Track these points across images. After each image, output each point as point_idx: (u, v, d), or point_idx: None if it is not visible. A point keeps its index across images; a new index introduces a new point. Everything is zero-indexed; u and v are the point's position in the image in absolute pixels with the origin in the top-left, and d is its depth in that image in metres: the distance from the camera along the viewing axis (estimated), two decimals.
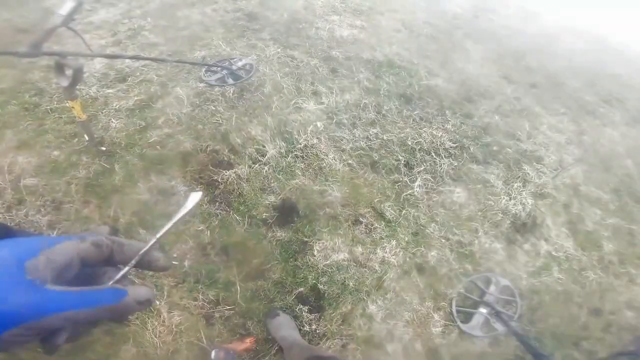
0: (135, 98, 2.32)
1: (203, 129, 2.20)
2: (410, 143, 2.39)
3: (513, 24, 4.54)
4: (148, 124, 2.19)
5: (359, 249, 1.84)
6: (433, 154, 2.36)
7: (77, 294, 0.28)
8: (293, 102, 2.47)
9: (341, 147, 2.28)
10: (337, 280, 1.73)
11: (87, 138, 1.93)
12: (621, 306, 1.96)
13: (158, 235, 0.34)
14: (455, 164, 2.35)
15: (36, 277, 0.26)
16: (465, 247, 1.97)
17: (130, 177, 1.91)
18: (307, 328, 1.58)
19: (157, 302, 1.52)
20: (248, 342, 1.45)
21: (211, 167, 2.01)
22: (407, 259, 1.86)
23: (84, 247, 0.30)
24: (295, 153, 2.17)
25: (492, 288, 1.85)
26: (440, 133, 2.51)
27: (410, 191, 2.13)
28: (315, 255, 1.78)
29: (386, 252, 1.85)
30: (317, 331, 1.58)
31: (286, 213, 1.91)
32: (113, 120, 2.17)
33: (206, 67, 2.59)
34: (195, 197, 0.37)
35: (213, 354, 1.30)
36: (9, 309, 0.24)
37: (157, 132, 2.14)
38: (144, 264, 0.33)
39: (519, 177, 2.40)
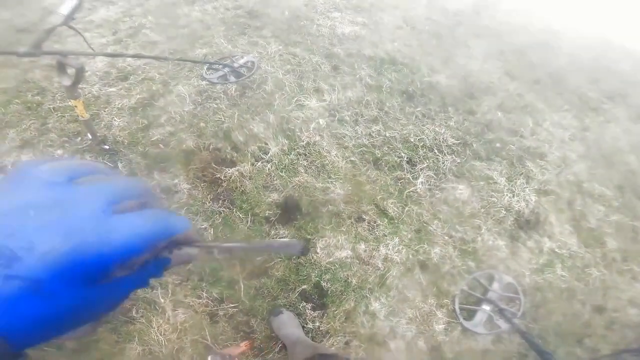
0: (137, 96, 2.32)
1: (205, 127, 2.20)
2: (412, 140, 2.38)
3: (514, 20, 4.51)
4: (150, 122, 2.19)
5: (361, 247, 1.84)
6: (436, 151, 2.36)
7: (136, 273, 0.26)
8: (295, 99, 2.46)
9: (343, 144, 2.28)
10: (340, 278, 1.73)
11: (90, 137, 1.93)
12: (624, 303, 1.96)
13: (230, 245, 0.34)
14: (458, 161, 2.34)
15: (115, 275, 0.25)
16: (468, 244, 1.97)
17: (134, 175, 1.91)
18: (310, 325, 1.59)
19: (162, 300, 1.53)
20: (244, 347, 1.46)
21: (214, 165, 2.01)
22: (410, 256, 1.86)
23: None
24: (297, 150, 2.17)
25: (495, 285, 1.85)
26: (443, 130, 2.50)
27: (413, 188, 2.13)
28: (318, 253, 1.78)
29: (389, 250, 1.85)
30: (321, 328, 1.59)
31: (289, 211, 1.91)
32: (115, 118, 2.17)
33: (208, 65, 2.58)
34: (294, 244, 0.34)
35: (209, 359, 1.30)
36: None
37: (160, 131, 2.14)
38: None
39: (522, 173, 2.39)
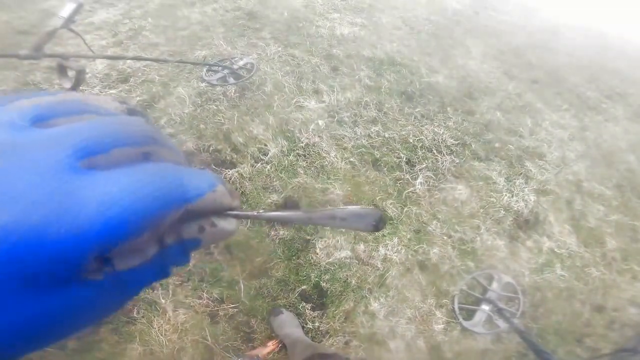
0: (138, 98, 2.33)
1: (205, 129, 2.21)
2: (411, 140, 2.39)
3: (513, 20, 4.52)
4: None
5: (361, 247, 1.85)
6: (435, 151, 2.36)
7: (152, 262, 0.19)
8: (294, 100, 2.47)
9: (343, 145, 2.28)
10: (340, 278, 1.74)
11: None
12: (624, 303, 1.96)
13: (266, 214, 0.27)
14: (457, 161, 2.35)
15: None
16: (467, 244, 1.97)
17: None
18: (310, 325, 1.59)
19: (163, 301, 1.54)
20: (272, 346, 1.45)
21: (214, 167, 2.02)
22: (409, 257, 1.87)
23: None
24: (297, 152, 2.18)
25: (494, 285, 1.85)
26: (442, 130, 2.50)
27: (412, 189, 2.14)
28: (317, 253, 1.79)
29: (388, 250, 1.86)
30: (320, 328, 1.60)
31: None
32: None
33: (207, 66, 2.59)
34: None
35: None
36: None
37: None
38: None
39: (521, 173, 2.40)
